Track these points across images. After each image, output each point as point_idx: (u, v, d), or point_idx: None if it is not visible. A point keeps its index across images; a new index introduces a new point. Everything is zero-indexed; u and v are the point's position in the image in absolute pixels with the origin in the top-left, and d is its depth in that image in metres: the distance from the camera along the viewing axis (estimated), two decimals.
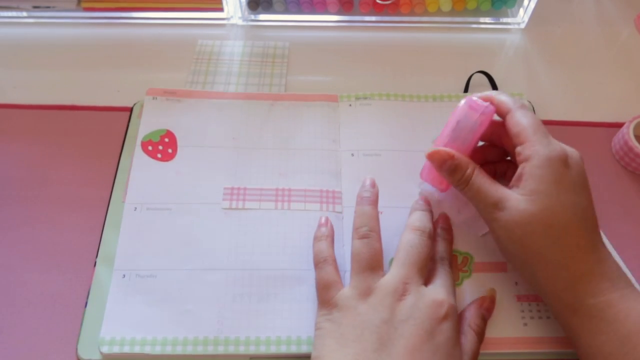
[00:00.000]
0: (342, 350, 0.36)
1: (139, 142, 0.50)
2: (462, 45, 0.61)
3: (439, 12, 0.62)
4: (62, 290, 0.44)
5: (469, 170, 0.40)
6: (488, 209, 0.39)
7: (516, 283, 0.43)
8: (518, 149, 0.39)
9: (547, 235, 0.37)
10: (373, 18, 0.62)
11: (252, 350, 0.40)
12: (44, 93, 0.55)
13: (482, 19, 0.62)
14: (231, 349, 0.40)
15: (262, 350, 0.40)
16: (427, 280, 0.40)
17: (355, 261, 0.40)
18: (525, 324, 0.41)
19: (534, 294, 0.43)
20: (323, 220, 0.44)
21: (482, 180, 0.40)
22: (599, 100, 0.56)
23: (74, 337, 0.41)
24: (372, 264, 0.39)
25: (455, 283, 0.41)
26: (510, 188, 0.39)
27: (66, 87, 0.56)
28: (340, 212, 0.47)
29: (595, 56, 0.60)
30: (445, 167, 0.41)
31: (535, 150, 0.38)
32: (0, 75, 0.57)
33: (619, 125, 0.52)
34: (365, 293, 0.38)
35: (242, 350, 0.40)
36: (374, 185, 0.44)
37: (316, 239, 0.43)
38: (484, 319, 0.41)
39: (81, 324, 0.42)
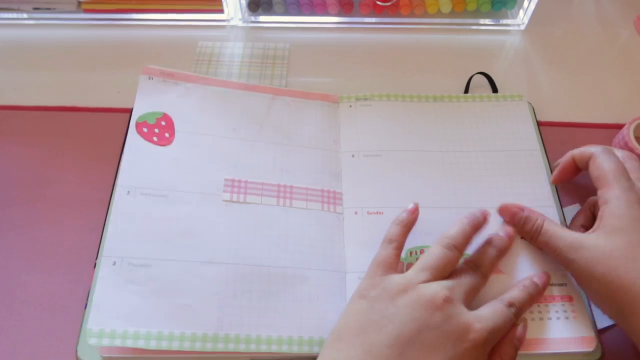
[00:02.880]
0: (355, 338, 0.36)
1: (133, 123, 0.47)
2: (462, 46, 0.61)
3: (439, 14, 0.62)
4: (62, 291, 0.44)
5: (538, 221, 0.42)
6: (564, 253, 0.40)
7: None
8: (599, 192, 0.41)
9: (631, 269, 0.37)
10: (373, 19, 0.62)
11: (252, 348, 0.39)
12: (45, 94, 0.55)
13: (482, 21, 0.62)
14: (231, 347, 0.39)
15: (263, 349, 0.39)
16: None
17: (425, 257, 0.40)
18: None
19: None
20: (411, 207, 0.44)
21: (554, 228, 0.42)
22: (598, 101, 0.56)
23: (73, 338, 0.41)
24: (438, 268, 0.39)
25: (505, 320, 0.38)
26: (590, 233, 0.40)
27: (67, 89, 0.56)
28: (341, 214, 0.47)
29: (595, 57, 0.60)
30: (515, 220, 0.44)
31: (614, 194, 0.39)
32: (1, 77, 0.57)
33: (619, 127, 0.52)
34: (404, 290, 0.38)
35: (242, 348, 0.39)
36: (414, 211, 0.44)
37: (394, 221, 0.43)
38: (516, 347, 0.39)
39: (81, 326, 0.42)
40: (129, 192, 0.44)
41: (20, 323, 0.43)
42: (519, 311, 0.40)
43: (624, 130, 0.50)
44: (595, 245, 0.38)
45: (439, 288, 0.38)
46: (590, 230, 0.40)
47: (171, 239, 0.43)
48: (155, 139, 0.47)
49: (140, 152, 0.46)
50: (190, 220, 0.44)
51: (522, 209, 0.44)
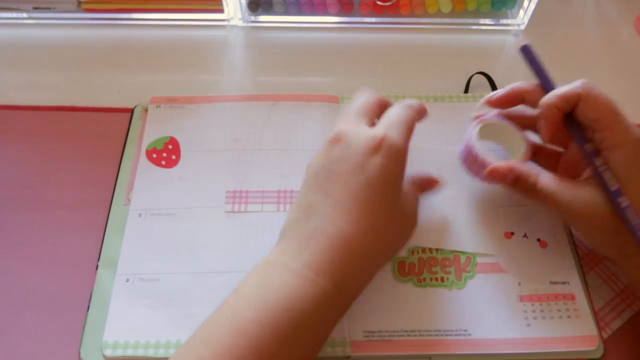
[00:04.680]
0: (300, 194, 0.39)
1: (143, 150, 0.50)
2: (462, 46, 0.61)
3: (439, 14, 0.62)
4: (63, 293, 0.44)
5: (531, 178, 0.40)
6: (566, 209, 0.39)
7: (519, 283, 0.43)
8: (598, 135, 0.38)
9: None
10: (373, 19, 0.62)
11: None
12: (44, 94, 0.55)
13: (482, 21, 0.62)
14: None
15: None
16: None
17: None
18: (528, 325, 0.41)
19: (537, 294, 0.43)
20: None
21: (549, 182, 0.40)
22: None
23: (76, 340, 0.41)
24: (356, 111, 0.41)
25: (410, 119, 0.40)
26: (590, 184, 0.38)
27: (66, 89, 0.56)
28: None
29: (595, 57, 0.61)
30: (507, 181, 0.41)
31: (621, 139, 0.37)
32: (1, 77, 0.57)
33: None
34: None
35: None
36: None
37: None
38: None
39: (84, 327, 0.42)
40: (140, 214, 0.46)
41: (22, 324, 0.42)
42: (411, 104, 0.41)
43: (470, 137, 0.45)
44: (604, 201, 0.37)
45: (334, 129, 0.39)
46: (587, 177, 0.39)
47: (178, 253, 0.45)
48: (163, 162, 0.49)
49: (150, 177, 0.48)
50: (195, 234, 0.46)
51: (511, 170, 0.41)
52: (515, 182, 0.41)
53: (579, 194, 0.39)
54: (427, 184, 0.44)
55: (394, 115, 0.40)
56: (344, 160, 0.37)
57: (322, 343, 0.36)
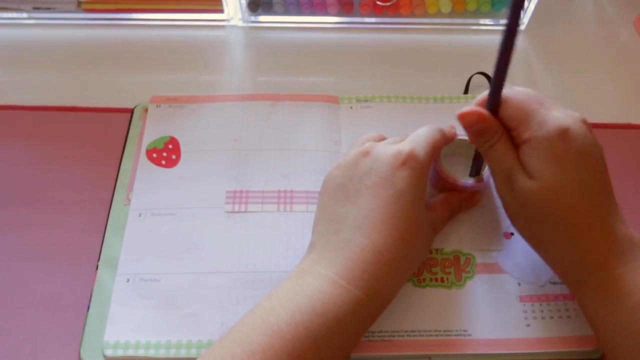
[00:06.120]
0: (319, 208, 0.41)
1: (143, 150, 0.50)
2: (462, 46, 0.61)
3: (439, 14, 0.62)
4: (63, 293, 0.44)
5: (496, 137, 0.39)
6: (503, 178, 0.39)
7: (519, 284, 0.43)
8: (513, 133, 0.38)
9: (552, 217, 0.36)
10: (373, 19, 0.62)
11: None
12: (45, 94, 0.55)
13: (481, 21, 0.62)
14: None
15: None
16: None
17: None
18: (528, 325, 0.42)
19: (536, 294, 0.43)
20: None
21: (505, 148, 0.38)
22: (598, 101, 0.57)
23: (76, 340, 0.41)
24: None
25: (436, 140, 0.41)
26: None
27: (66, 89, 0.56)
28: None
29: (595, 57, 0.61)
30: (474, 128, 0.39)
31: (530, 134, 0.37)
32: (1, 77, 0.57)
33: (618, 127, 0.53)
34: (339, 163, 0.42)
35: None
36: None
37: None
38: (461, 207, 0.45)
39: (84, 327, 0.42)
40: (140, 214, 0.47)
41: (22, 324, 0.42)
42: (442, 129, 0.43)
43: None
44: (523, 185, 0.37)
45: (361, 145, 0.42)
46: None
47: (178, 253, 0.45)
48: (163, 162, 0.49)
49: (150, 177, 0.48)
50: (195, 234, 0.46)
51: (483, 120, 0.38)
52: (481, 134, 0.39)
53: (518, 176, 0.37)
54: (469, 202, 0.46)
55: (422, 134, 0.41)
56: (372, 173, 0.39)
57: (351, 349, 0.37)
